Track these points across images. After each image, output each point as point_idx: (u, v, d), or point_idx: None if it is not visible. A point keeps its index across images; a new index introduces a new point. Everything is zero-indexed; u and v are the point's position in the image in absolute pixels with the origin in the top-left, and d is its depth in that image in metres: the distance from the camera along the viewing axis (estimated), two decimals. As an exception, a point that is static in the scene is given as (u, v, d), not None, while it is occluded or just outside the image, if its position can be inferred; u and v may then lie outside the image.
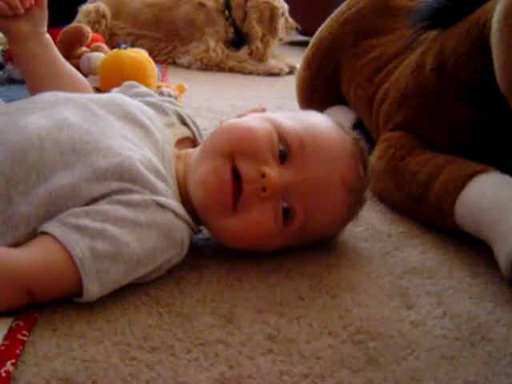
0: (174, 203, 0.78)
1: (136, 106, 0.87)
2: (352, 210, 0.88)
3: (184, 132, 0.92)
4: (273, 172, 0.78)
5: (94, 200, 0.73)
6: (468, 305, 0.79)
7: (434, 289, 0.82)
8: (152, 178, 0.77)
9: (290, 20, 2.92)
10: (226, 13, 2.77)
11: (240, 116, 0.90)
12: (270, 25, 2.78)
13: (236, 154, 0.79)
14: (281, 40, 2.93)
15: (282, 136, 0.81)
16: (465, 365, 0.67)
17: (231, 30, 2.78)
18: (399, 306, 0.77)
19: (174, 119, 0.91)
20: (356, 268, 0.87)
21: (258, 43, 2.74)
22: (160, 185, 0.77)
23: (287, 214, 0.80)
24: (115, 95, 0.92)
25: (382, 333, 0.71)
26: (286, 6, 2.86)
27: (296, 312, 0.74)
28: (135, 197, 0.74)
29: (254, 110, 0.92)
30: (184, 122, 0.93)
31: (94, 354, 0.63)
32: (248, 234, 0.80)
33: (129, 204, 0.73)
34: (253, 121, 0.83)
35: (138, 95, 0.95)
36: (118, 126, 0.81)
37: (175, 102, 0.97)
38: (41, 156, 0.73)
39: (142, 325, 0.69)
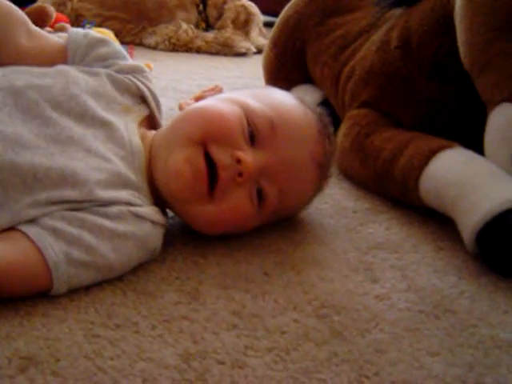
0: (151, 211, 0.76)
1: (92, 91, 0.80)
2: (320, 185, 0.89)
3: (141, 113, 0.86)
4: (247, 157, 0.76)
5: None
6: (432, 278, 0.80)
7: (398, 263, 0.83)
8: (123, 195, 0.74)
9: (264, 30, 2.90)
10: (201, 7, 2.79)
11: (198, 98, 0.88)
12: (243, 28, 2.78)
13: (208, 139, 0.77)
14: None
15: (251, 118, 0.79)
16: (428, 336, 0.68)
17: (203, 24, 2.79)
18: (364, 281, 0.78)
19: (130, 101, 0.85)
20: (321, 244, 0.87)
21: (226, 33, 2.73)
22: (132, 197, 0.75)
23: (261, 195, 0.80)
24: (65, 72, 0.81)
25: (346, 307, 0.72)
26: (261, 18, 2.90)
27: (261, 288, 0.74)
28: (112, 209, 0.72)
29: (211, 90, 0.91)
30: (143, 99, 0.86)
31: (57, 332, 0.63)
32: (226, 221, 0.79)
33: (106, 215, 0.72)
34: (221, 104, 0.81)
35: (98, 59, 0.86)
36: (78, 135, 0.75)
37: (140, 70, 0.88)
38: (2, 190, 0.68)
39: (105, 303, 0.69)
